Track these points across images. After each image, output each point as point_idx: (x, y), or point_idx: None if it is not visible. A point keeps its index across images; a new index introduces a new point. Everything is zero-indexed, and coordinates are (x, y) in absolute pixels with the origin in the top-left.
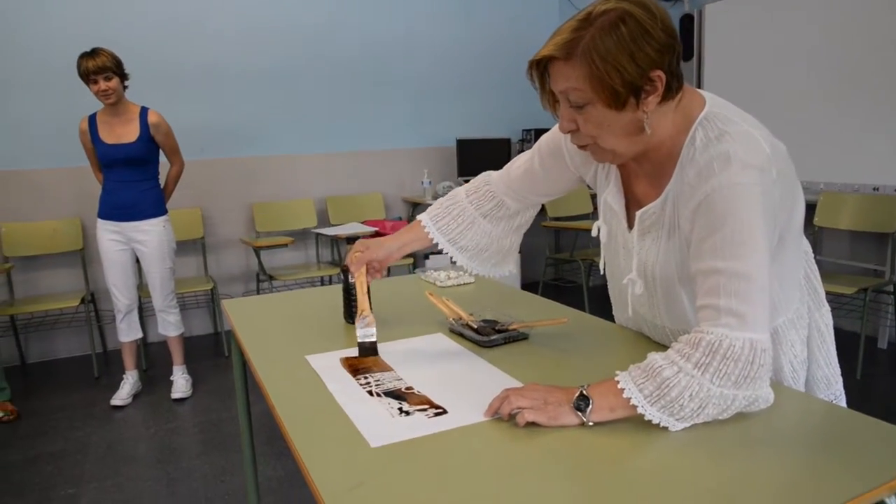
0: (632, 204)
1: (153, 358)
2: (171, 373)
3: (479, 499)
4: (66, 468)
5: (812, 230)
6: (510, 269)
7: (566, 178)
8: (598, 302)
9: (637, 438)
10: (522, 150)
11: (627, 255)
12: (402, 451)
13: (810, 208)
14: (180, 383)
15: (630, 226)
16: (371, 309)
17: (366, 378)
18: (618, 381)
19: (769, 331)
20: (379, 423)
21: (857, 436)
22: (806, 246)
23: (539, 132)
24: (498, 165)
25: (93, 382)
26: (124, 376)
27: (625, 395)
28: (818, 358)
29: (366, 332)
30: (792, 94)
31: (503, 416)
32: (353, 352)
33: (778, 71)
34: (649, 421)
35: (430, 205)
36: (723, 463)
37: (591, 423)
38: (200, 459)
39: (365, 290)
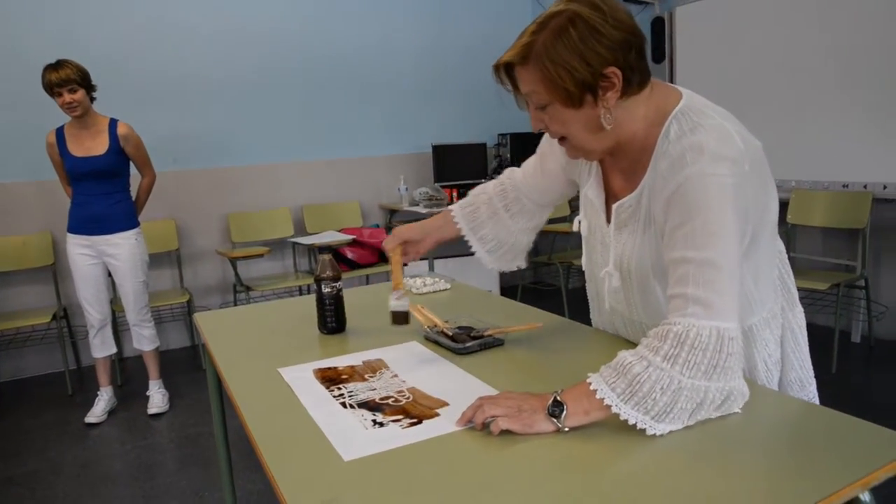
0: (610, 198)
1: (129, 373)
2: (147, 388)
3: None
4: (39, 489)
5: (785, 227)
6: (519, 264)
7: (560, 180)
8: (577, 305)
9: (613, 445)
10: (499, 155)
11: (605, 249)
12: (375, 463)
13: (783, 206)
14: (157, 398)
15: (608, 220)
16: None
17: (339, 389)
18: (590, 383)
19: (738, 320)
20: (352, 436)
21: (832, 433)
22: (780, 245)
23: (514, 136)
24: (474, 171)
25: (66, 400)
26: (98, 393)
27: (598, 396)
28: (792, 359)
29: (399, 303)
30: (762, 94)
31: (476, 425)
32: (327, 363)
33: (748, 71)
34: (625, 422)
35: (408, 211)
36: (699, 466)
37: (566, 429)
38: (178, 475)
39: (399, 267)
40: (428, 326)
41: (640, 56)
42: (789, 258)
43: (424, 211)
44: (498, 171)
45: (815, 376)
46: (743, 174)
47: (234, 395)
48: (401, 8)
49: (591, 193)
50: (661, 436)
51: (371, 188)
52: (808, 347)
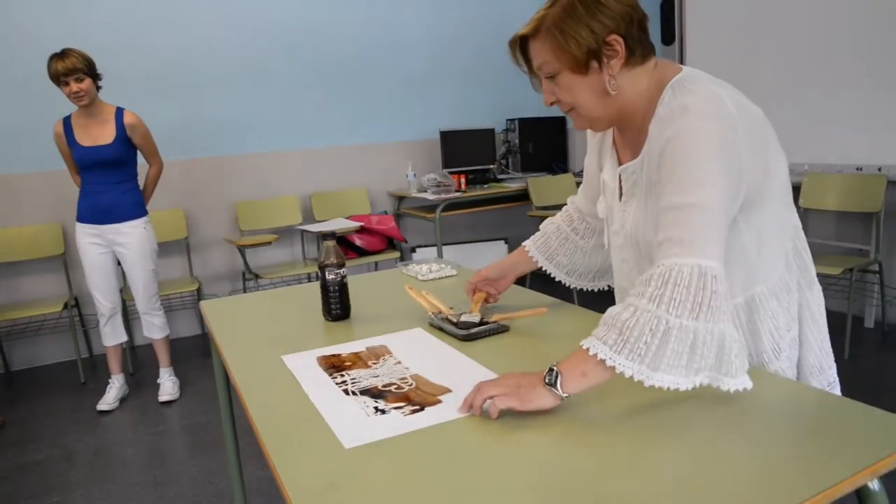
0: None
1: (140, 361)
2: (158, 375)
3: (455, 498)
4: (52, 476)
5: (798, 211)
6: (607, 283)
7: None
8: (586, 291)
9: (617, 430)
10: (507, 140)
11: (614, 223)
12: (376, 451)
13: (795, 189)
14: (167, 386)
15: (621, 197)
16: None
17: (342, 376)
18: (582, 345)
19: (722, 262)
20: (353, 423)
21: (841, 420)
22: (795, 220)
23: (523, 121)
24: (483, 156)
25: (79, 388)
26: (110, 381)
27: (591, 353)
28: (810, 340)
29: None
30: (774, 76)
31: (475, 409)
32: (330, 350)
33: (760, 53)
34: (621, 374)
35: (416, 197)
36: (705, 452)
37: (566, 396)
38: (188, 462)
39: (479, 304)
40: (432, 313)
41: (642, 30)
42: None
43: (432, 197)
44: (506, 156)
45: None
46: (731, 132)
47: (238, 383)
48: None
49: (607, 175)
50: (661, 420)
51: (379, 175)
52: (826, 329)
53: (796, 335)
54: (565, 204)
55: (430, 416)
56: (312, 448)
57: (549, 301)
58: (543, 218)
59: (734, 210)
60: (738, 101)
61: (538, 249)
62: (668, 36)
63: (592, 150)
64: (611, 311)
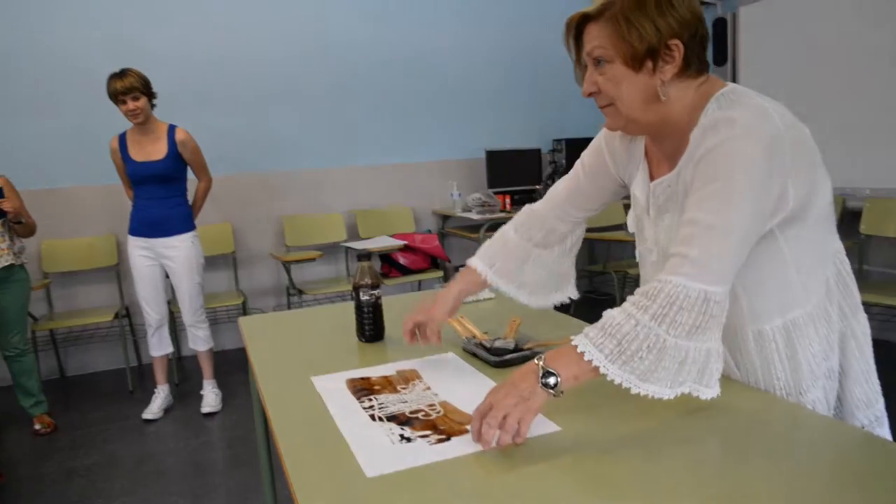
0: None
1: (186, 372)
2: (201, 387)
3: None
4: (98, 481)
5: (858, 239)
6: (570, 293)
7: (609, 183)
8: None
9: (639, 467)
10: (553, 161)
11: (646, 241)
12: (399, 480)
13: (855, 216)
14: (210, 398)
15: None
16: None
17: (370, 401)
18: (576, 346)
19: (728, 285)
20: (377, 451)
21: (887, 466)
22: (837, 244)
23: (570, 142)
24: (528, 176)
25: (127, 396)
26: (156, 390)
27: (586, 359)
28: (855, 370)
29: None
30: (832, 98)
31: (489, 444)
32: (360, 373)
33: (818, 73)
34: (611, 381)
35: (461, 217)
36: (729, 490)
37: (560, 394)
38: (226, 476)
39: (466, 326)
40: (466, 337)
41: (702, 46)
42: (862, 271)
43: (477, 217)
44: (553, 177)
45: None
46: (778, 146)
47: (266, 403)
48: (455, 12)
49: (637, 188)
50: (676, 449)
51: (423, 194)
52: (873, 359)
53: (835, 365)
54: (613, 225)
55: (456, 447)
56: (335, 475)
57: (584, 327)
58: (587, 241)
59: (763, 229)
60: (786, 117)
61: (497, 273)
62: (720, 57)
63: (605, 154)
64: (610, 316)
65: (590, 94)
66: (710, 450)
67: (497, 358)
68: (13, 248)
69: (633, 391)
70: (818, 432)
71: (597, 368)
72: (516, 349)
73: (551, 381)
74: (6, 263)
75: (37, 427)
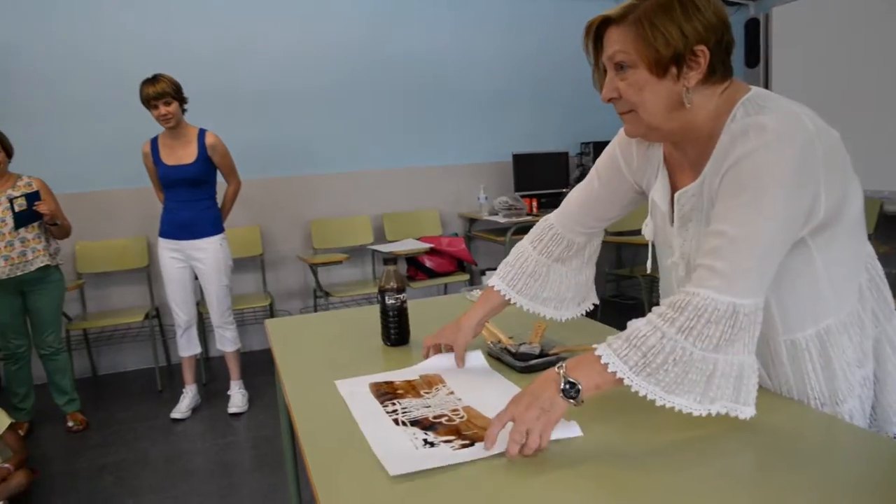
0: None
1: (213, 372)
2: (228, 387)
3: None
4: (127, 479)
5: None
6: (593, 301)
7: (626, 191)
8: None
9: (662, 476)
10: (581, 164)
11: (671, 251)
12: (421, 484)
13: (892, 219)
14: (237, 398)
15: (672, 220)
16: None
17: (393, 405)
18: (599, 357)
19: (758, 298)
20: (401, 456)
21: None
22: (869, 249)
23: (597, 144)
24: (555, 179)
25: (156, 395)
26: (184, 390)
27: (610, 370)
28: (893, 377)
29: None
30: (869, 99)
31: (511, 455)
32: (383, 377)
33: (853, 74)
34: (635, 393)
35: (488, 220)
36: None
37: (581, 402)
38: (252, 475)
39: (491, 330)
40: (491, 342)
41: (727, 52)
42: None
43: (503, 220)
44: (580, 180)
45: None
46: (811, 151)
47: (291, 406)
48: (482, 15)
49: (657, 196)
50: (709, 467)
51: (450, 197)
52: None
53: (869, 373)
54: (639, 229)
55: (479, 451)
56: (357, 479)
57: (611, 333)
58: (614, 244)
59: (794, 235)
60: (816, 122)
61: (519, 293)
62: (753, 58)
63: (620, 161)
64: (636, 327)
65: (609, 100)
66: (740, 462)
67: (522, 363)
68: (49, 250)
69: (659, 403)
70: (854, 444)
71: (620, 379)
72: (542, 354)
73: (573, 391)
74: (42, 264)
75: (70, 424)
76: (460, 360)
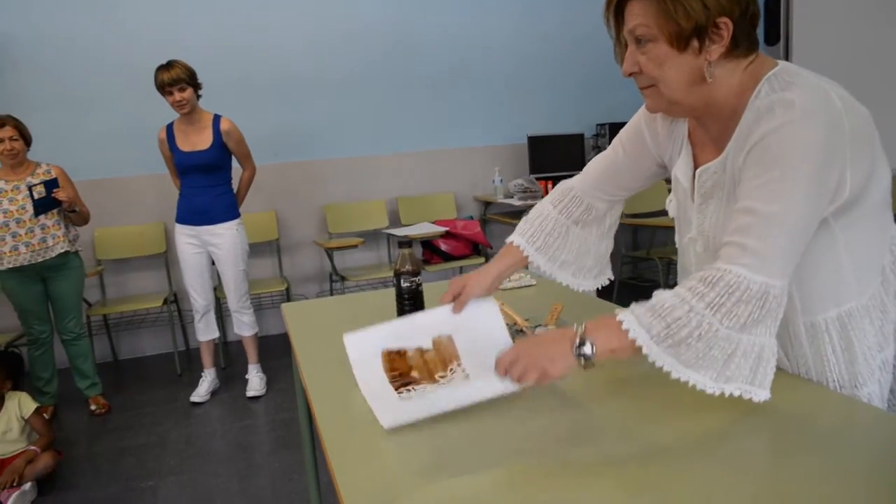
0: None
1: (232, 356)
2: (247, 371)
3: None
4: (147, 461)
5: None
6: (608, 276)
7: (648, 164)
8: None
9: (672, 459)
10: (597, 146)
11: (691, 228)
12: (435, 471)
13: None
14: (255, 382)
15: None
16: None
17: (408, 391)
18: (621, 322)
19: (787, 280)
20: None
21: None
22: (894, 230)
23: (613, 126)
24: (571, 162)
25: (175, 379)
26: (203, 374)
27: (630, 336)
28: None
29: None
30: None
31: (516, 382)
32: (395, 330)
33: (878, 51)
34: (653, 363)
35: (503, 203)
36: (787, 491)
37: (591, 364)
38: (271, 457)
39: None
40: (508, 324)
41: (752, 24)
42: None
43: (518, 203)
44: None
45: None
46: (838, 129)
47: (308, 388)
48: None
49: (680, 172)
50: (728, 448)
51: (465, 180)
52: None
53: (889, 357)
54: (657, 211)
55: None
56: (374, 460)
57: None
58: (631, 227)
59: (821, 215)
60: (845, 99)
61: (538, 251)
62: (773, 35)
63: (645, 134)
64: (662, 297)
65: (630, 74)
66: (756, 445)
67: None
68: (68, 236)
69: (674, 376)
70: (872, 427)
71: (639, 348)
72: None
73: (587, 350)
74: (62, 250)
75: (92, 408)
76: (459, 305)
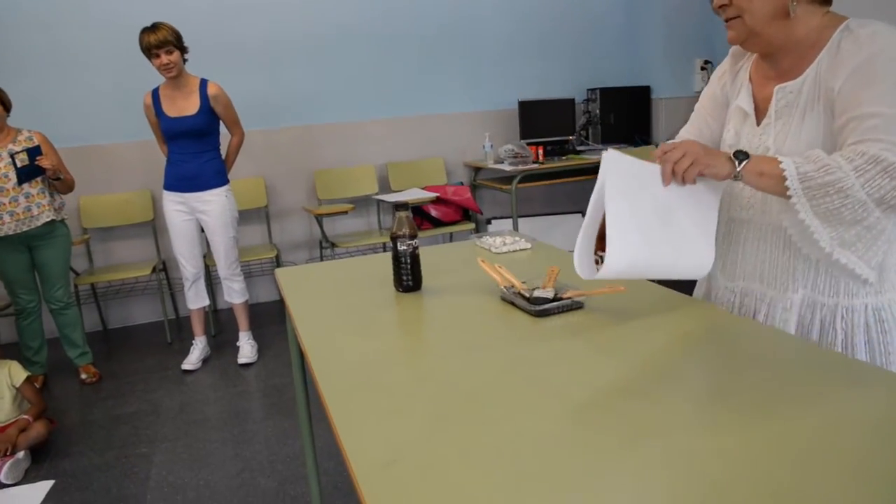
0: (759, 111)
1: (222, 324)
2: (237, 338)
3: (519, 479)
4: (141, 428)
5: None
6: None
7: (724, 118)
8: None
9: (722, 445)
10: (587, 111)
11: (753, 151)
12: (437, 426)
13: None
14: (246, 349)
15: (759, 123)
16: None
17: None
18: (779, 161)
19: None
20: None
21: None
22: None
23: (604, 91)
24: (561, 127)
25: (166, 347)
26: (194, 342)
27: (781, 166)
28: None
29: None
30: None
31: (666, 172)
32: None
33: None
34: (789, 198)
35: (493, 168)
36: (828, 468)
37: (739, 175)
38: (265, 423)
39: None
40: (505, 287)
41: None
42: None
43: (509, 169)
44: (586, 127)
45: None
46: None
47: (307, 351)
48: None
49: (743, 102)
50: (760, 424)
51: (456, 145)
52: None
53: None
54: None
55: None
56: (378, 420)
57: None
58: None
59: None
60: None
61: None
62: None
63: (717, 93)
64: (816, 152)
65: (720, 7)
66: (755, 398)
67: (536, 307)
68: (54, 205)
69: (801, 217)
70: (862, 381)
71: (784, 179)
72: (556, 298)
73: (741, 155)
74: (48, 219)
75: (83, 377)
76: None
